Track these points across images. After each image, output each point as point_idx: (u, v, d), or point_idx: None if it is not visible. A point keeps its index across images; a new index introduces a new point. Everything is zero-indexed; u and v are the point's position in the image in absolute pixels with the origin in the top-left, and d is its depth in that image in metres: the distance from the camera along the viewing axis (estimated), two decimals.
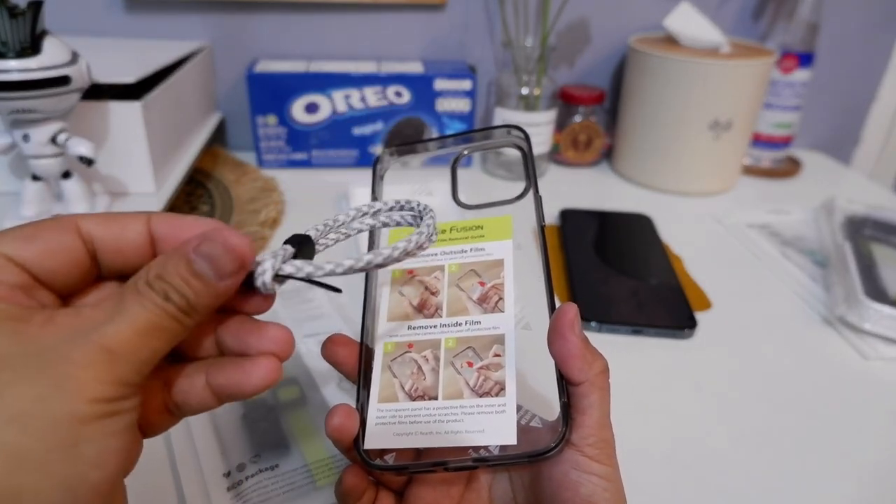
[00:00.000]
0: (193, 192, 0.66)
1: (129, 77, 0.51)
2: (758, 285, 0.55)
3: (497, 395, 0.26)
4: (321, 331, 0.44)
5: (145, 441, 0.22)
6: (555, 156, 0.78)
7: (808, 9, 0.72)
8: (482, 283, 0.30)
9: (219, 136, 0.78)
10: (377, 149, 0.73)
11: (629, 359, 0.45)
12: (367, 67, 0.70)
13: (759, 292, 0.54)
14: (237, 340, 0.23)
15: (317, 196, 0.66)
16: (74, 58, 0.44)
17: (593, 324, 0.47)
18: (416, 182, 0.64)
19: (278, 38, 0.73)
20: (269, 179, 0.69)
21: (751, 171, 0.78)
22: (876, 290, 0.49)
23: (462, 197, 0.33)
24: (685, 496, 0.35)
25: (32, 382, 0.17)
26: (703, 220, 0.66)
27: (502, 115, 0.70)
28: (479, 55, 0.77)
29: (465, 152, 0.33)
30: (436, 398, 0.27)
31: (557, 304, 0.27)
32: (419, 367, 0.28)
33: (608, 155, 0.80)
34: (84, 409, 0.17)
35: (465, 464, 0.25)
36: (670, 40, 0.72)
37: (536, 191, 0.32)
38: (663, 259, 0.56)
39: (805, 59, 0.73)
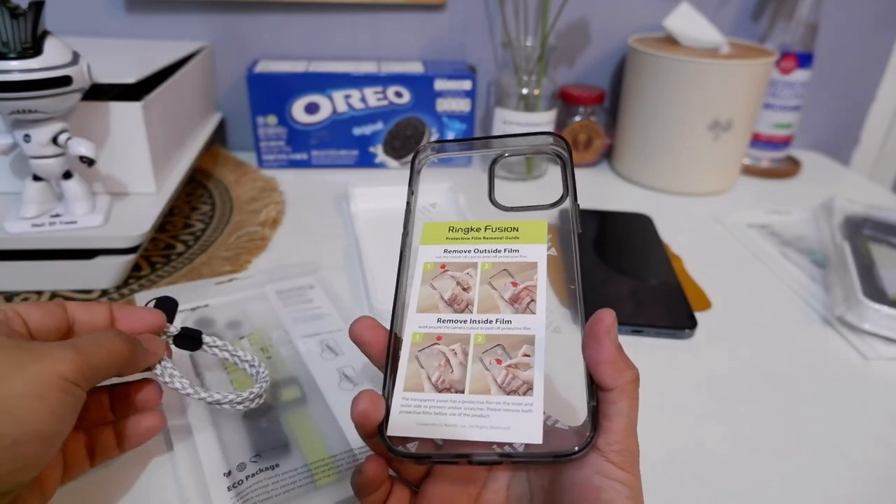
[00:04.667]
0: (193, 192, 0.66)
1: (129, 77, 0.51)
2: (757, 285, 0.55)
3: (524, 394, 0.26)
4: (321, 330, 0.45)
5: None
6: None
7: (807, 9, 0.72)
8: (514, 284, 0.30)
9: (219, 137, 0.78)
10: (377, 148, 0.73)
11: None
12: (367, 67, 0.70)
13: (758, 292, 0.54)
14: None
15: (317, 196, 0.66)
16: (75, 58, 0.44)
17: None
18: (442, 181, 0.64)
19: (278, 39, 0.73)
20: (269, 179, 0.69)
21: (750, 171, 0.78)
22: (875, 291, 0.49)
23: (498, 198, 0.33)
24: (685, 496, 0.35)
25: (18, 355, 0.24)
26: (703, 220, 0.66)
27: (502, 116, 0.70)
28: (479, 55, 0.77)
29: (506, 154, 0.33)
30: (462, 392, 0.27)
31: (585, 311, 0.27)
32: (447, 360, 0.28)
33: (608, 155, 0.80)
34: (51, 376, 0.24)
35: (490, 458, 0.25)
36: (670, 40, 0.72)
37: (575, 199, 0.32)
38: (663, 259, 0.56)
39: (804, 60, 0.74)
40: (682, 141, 0.69)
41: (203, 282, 0.50)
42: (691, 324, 0.47)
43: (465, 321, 0.29)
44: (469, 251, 0.31)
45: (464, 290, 0.30)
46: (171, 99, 0.58)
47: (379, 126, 0.72)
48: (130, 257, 0.48)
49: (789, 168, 0.80)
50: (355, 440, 0.35)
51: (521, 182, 0.73)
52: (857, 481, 0.36)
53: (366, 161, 0.74)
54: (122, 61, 0.59)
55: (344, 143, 0.72)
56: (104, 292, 0.48)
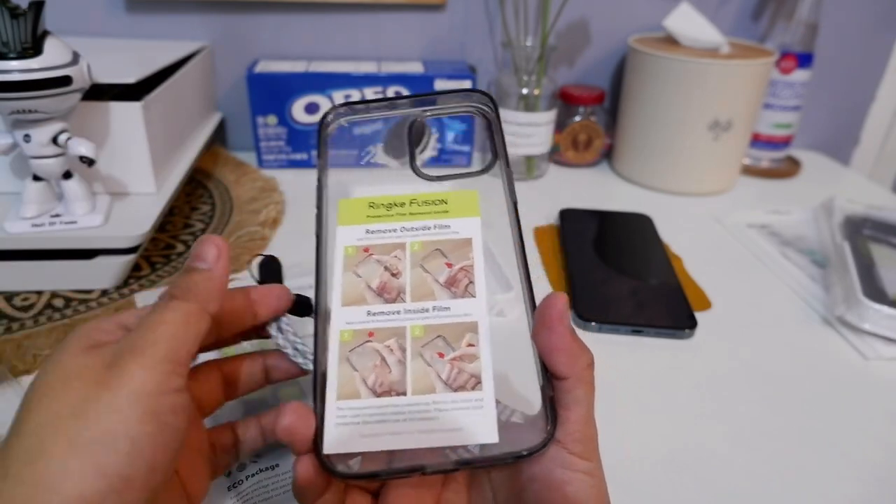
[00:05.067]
0: (193, 193, 0.66)
1: (129, 77, 0.51)
2: (758, 285, 0.55)
3: (473, 389, 0.24)
4: None
5: None
6: (555, 156, 0.78)
7: (807, 9, 0.72)
8: (449, 265, 0.27)
9: (219, 137, 0.78)
10: (377, 148, 0.73)
11: (629, 359, 0.45)
12: (367, 67, 0.70)
13: (758, 292, 0.54)
14: None
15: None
16: (75, 58, 0.44)
17: (593, 324, 0.47)
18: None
19: (278, 39, 0.73)
20: (269, 179, 0.69)
21: (750, 171, 0.78)
22: (875, 291, 0.49)
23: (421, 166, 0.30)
24: (685, 496, 0.35)
25: (91, 387, 0.21)
26: (703, 220, 0.66)
27: (502, 116, 0.70)
28: (479, 55, 0.77)
29: (427, 114, 0.30)
30: (404, 394, 0.24)
31: (534, 292, 0.25)
32: (383, 359, 0.25)
33: (608, 155, 0.80)
34: (131, 402, 0.21)
35: (445, 467, 0.23)
36: (670, 40, 0.72)
37: (507, 163, 0.29)
38: (663, 259, 0.56)
39: (804, 60, 0.74)
40: (682, 141, 0.69)
41: None
42: (691, 324, 0.47)
43: (398, 312, 0.26)
44: (395, 230, 0.28)
45: (393, 275, 0.27)
46: (171, 99, 0.58)
47: (379, 126, 0.72)
48: (130, 257, 0.48)
49: (789, 168, 0.80)
50: None
51: (520, 182, 0.73)
52: (856, 481, 0.36)
53: (366, 161, 0.74)
54: (122, 61, 0.59)
55: (344, 142, 0.72)
56: (104, 292, 0.48)
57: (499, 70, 0.78)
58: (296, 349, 0.29)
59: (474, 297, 0.26)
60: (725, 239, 0.63)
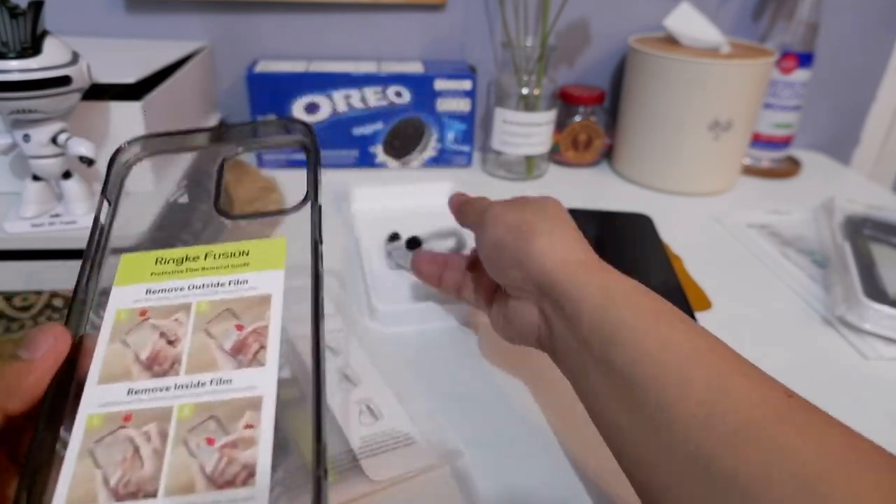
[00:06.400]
0: (194, 193, 0.66)
1: (129, 77, 0.51)
2: (758, 285, 0.55)
3: (245, 483, 0.20)
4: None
5: None
6: (555, 156, 0.78)
7: (807, 9, 0.72)
8: (240, 327, 0.23)
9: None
10: (377, 148, 0.73)
11: None
12: (367, 67, 0.70)
13: (759, 292, 0.54)
14: None
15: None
16: (75, 58, 0.44)
17: None
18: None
19: (278, 39, 0.73)
20: (269, 179, 0.69)
21: (750, 171, 0.78)
22: (875, 291, 0.49)
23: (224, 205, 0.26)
24: None
25: None
26: (703, 220, 0.66)
27: (502, 115, 0.70)
28: (479, 55, 0.77)
29: (240, 150, 0.27)
30: (154, 495, 0.20)
31: (325, 351, 0.22)
32: (136, 450, 0.20)
33: (608, 155, 0.80)
34: None
35: None
36: (670, 40, 0.72)
37: (316, 200, 0.26)
38: (663, 259, 0.56)
39: (805, 60, 0.74)
40: (682, 141, 0.69)
41: None
42: None
43: (167, 388, 0.22)
44: (181, 288, 0.24)
45: (169, 343, 0.23)
46: (171, 99, 0.58)
47: (379, 126, 0.72)
48: None
49: (789, 168, 0.80)
50: (355, 440, 0.35)
51: (520, 182, 0.73)
52: None
53: (366, 161, 0.74)
54: (121, 61, 0.59)
55: (344, 143, 0.72)
56: (104, 292, 0.48)
57: (499, 70, 0.78)
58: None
59: (264, 365, 0.22)
60: (725, 239, 0.63)
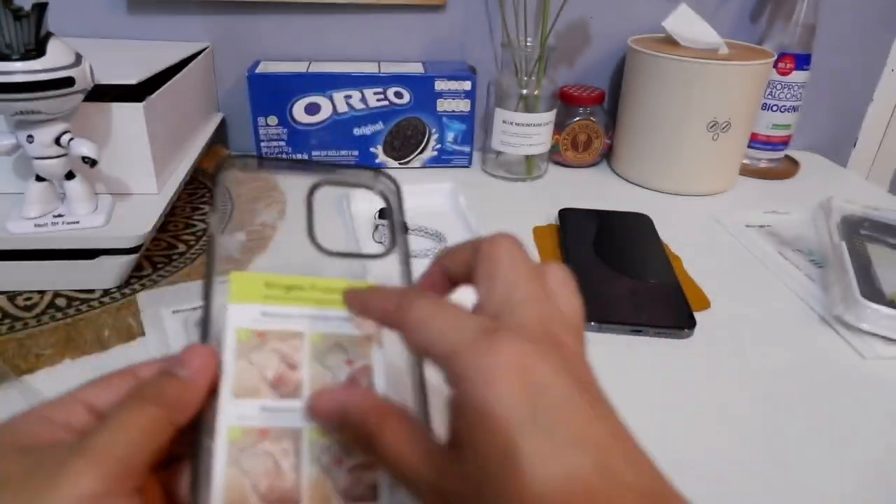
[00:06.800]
0: (195, 193, 0.66)
1: (131, 79, 0.51)
2: (756, 285, 0.55)
3: (370, 502, 0.22)
4: None
5: None
6: (554, 156, 0.79)
7: (805, 11, 0.72)
8: (350, 362, 0.25)
9: (220, 137, 0.78)
10: (377, 149, 0.73)
11: (629, 359, 0.45)
12: (367, 68, 0.71)
13: (757, 292, 0.54)
14: None
15: (317, 196, 0.66)
16: (78, 59, 0.44)
17: (593, 324, 0.47)
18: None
19: (279, 39, 0.74)
20: (269, 179, 0.69)
21: (749, 171, 0.79)
22: (872, 290, 0.49)
23: (321, 239, 0.27)
24: (685, 496, 0.35)
25: (31, 489, 0.19)
26: (702, 220, 0.67)
27: (502, 116, 0.71)
28: (479, 56, 0.77)
29: (322, 184, 0.29)
30: None
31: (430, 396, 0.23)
32: (276, 463, 0.22)
33: (608, 155, 0.80)
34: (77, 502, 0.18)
35: None
36: (670, 41, 0.72)
37: (406, 259, 0.27)
38: (663, 259, 0.56)
39: (802, 61, 0.74)
40: (682, 141, 0.69)
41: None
42: (691, 323, 0.48)
43: (294, 410, 0.23)
44: (293, 316, 0.25)
45: (290, 368, 0.24)
46: (173, 100, 0.59)
47: (379, 126, 0.72)
48: (132, 257, 0.48)
49: (787, 168, 0.80)
50: None
51: (520, 182, 0.73)
52: (856, 481, 0.37)
53: (366, 161, 0.74)
54: (123, 62, 0.59)
55: (344, 143, 0.73)
56: (106, 292, 0.49)
57: (499, 70, 0.78)
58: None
59: None
60: (725, 239, 0.63)
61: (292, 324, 0.25)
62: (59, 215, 0.48)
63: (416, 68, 0.72)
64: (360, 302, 0.25)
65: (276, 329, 0.24)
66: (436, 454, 0.21)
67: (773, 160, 0.80)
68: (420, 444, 0.21)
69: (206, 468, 0.21)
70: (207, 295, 0.24)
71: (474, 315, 0.21)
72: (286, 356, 0.24)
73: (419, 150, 0.74)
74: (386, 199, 0.28)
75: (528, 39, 0.71)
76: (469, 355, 0.19)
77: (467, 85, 0.71)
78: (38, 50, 0.41)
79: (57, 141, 0.45)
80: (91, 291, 0.49)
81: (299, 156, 0.72)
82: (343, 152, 0.73)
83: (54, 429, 0.21)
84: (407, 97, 0.71)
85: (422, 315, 0.21)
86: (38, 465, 0.19)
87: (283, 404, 0.23)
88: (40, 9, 0.41)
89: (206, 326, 0.24)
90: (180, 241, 0.56)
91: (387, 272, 0.27)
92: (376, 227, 0.55)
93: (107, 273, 0.48)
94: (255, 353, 0.24)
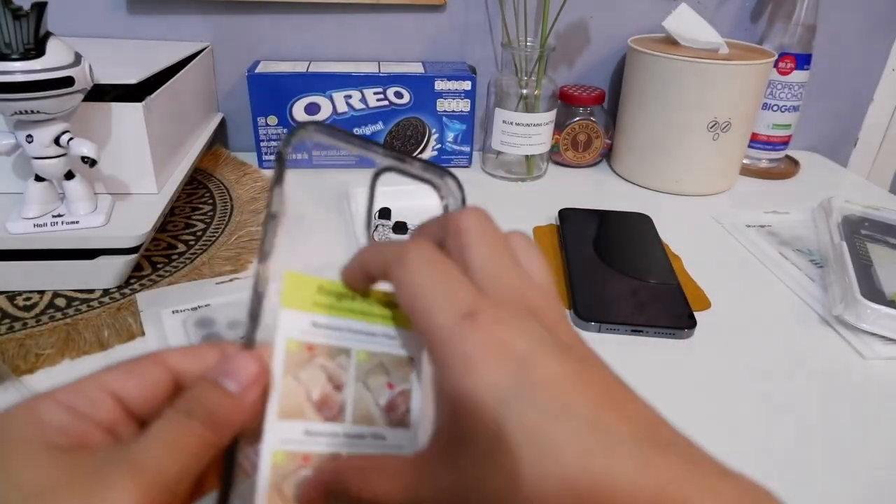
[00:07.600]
0: (194, 193, 0.66)
1: (131, 78, 0.51)
2: (756, 285, 0.55)
3: None
4: None
5: None
6: (554, 156, 0.79)
7: (805, 11, 0.72)
8: (391, 386, 0.23)
9: (220, 137, 0.78)
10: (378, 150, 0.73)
11: (629, 359, 0.45)
12: (367, 68, 0.71)
13: (757, 292, 0.54)
14: None
15: (317, 196, 0.67)
16: (77, 59, 0.44)
17: (593, 324, 0.47)
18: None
19: (279, 39, 0.74)
20: (269, 180, 0.69)
21: (749, 171, 0.79)
22: (873, 290, 0.49)
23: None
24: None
25: None
26: (702, 220, 0.67)
27: (502, 116, 0.71)
28: (479, 56, 0.77)
29: (388, 169, 0.28)
30: None
31: None
32: None
33: (608, 155, 0.80)
34: None
35: None
36: (670, 41, 0.72)
37: None
38: (663, 259, 0.56)
39: (802, 61, 0.74)
40: (682, 141, 0.69)
41: (204, 281, 0.50)
42: (691, 323, 0.48)
43: (336, 435, 0.22)
44: (342, 329, 0.23)
45: (335, 388, 0.22)
46: (173, 100, 0.59)
47: (379, 126, 0.72)
48: (132, 257, 0.48)
49: (788, 168, 0.80)
50: None
51: (520, 182, 0.73)
52: (855, 481, 0.37)
53: (366, 162, 0.74)
54: (123, 62, 0.59)
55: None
56: (106, 292, 0.49)
57: (499, 70, 0.78)
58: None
59: (408, 427, 0.23)
60: (725, 239, 0.63)
61: (341, 338, 0.23)
62: (59, 215, 0.48)
63: (415, 68, 0.72)
64: (361, 257, 0.23)
65: (325, 343, 0.22)
66: (424, 468, 0.20)
67: (773, 160, 0.80)
68: (406, 472, 0.20)
69: (241, 490, 0.20)
70: (258, 286, 0.21)
71: (460, 284, 0.20)
72: (333, 375, 0.22)
73: (419, 150, 0.74)
74: (443, 199, 0.27)
75: (528, 39, 0.71)
76: (448, 342, 0.19)
77: (467, 85, 0.71)
78: (37, 50, 0.41)
79: (56, 141, 0.45)
80: (91, 291, 0.49)
81: (301, 155, 0.72)
82: (343, 152, 0.73)
83: (83, 424, 0.19)
84: (407, 97, 0.70)
85: (412, 277, 0.20)
86: (74, 474, 0.18)
87: (326, 428, 0.22)
88: (40, 8, 0.41)
89: (254, 322, 0.21)
90: (180, 241, 0.56)
91: None
92: (376, 227, 0.55)
93: (106, 273, 0.48)
94: (302, 370, 0.22)
